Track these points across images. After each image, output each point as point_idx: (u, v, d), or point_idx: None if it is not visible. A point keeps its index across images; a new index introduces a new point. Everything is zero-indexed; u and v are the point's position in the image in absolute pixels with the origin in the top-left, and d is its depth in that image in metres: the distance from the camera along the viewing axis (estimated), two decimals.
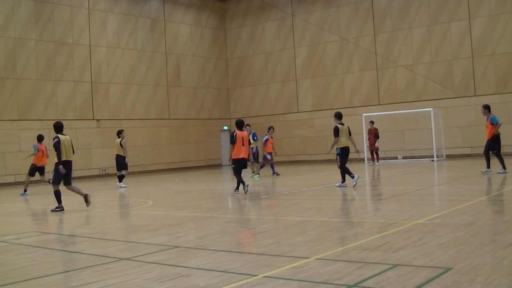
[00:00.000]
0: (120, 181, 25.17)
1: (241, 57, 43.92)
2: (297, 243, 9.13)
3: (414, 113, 34.53)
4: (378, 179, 23.28)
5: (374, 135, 31.72)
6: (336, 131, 18.62)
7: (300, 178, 24.80)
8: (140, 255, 8.84)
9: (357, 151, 19.68)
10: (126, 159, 25.32)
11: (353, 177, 18.49)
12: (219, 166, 41.98)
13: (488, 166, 21.37)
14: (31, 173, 24.11)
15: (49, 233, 11.92)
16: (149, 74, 38.78)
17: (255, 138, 27.09)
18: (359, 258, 7.78)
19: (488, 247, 8.05)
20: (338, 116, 19.15)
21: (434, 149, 31.99)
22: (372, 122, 32.19)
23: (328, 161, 32.13)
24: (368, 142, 32.18)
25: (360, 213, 12.89)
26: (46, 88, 33.16)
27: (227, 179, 26.03)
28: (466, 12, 34.22)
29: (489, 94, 33.31)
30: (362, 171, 27.14)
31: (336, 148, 18.83)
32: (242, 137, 18.40)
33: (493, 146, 21.37)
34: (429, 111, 32.63)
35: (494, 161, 21.81)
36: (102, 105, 35.85)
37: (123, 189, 24.05)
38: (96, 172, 34.67)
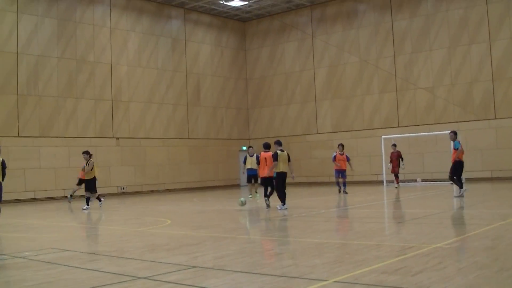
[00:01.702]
0: (88, 204, 23.67)
1: (261, 77, 44.04)
2: (315, 265, 9.09)
3: (434, 135, 34.39)
4: (397, 201, 23.16)
5: (397, 157, 31.51)
6: (276, 156, 19.52)
7: (319, 200, 24.74)
8: (158, 274, 8.84)
9: (292, 177, 20.18)
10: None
11: (283, 205, 19.59)
12: (237, 186, 41.97)
13: (461, 187, 21.81)
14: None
15: (67, 250, 11.94)
16: (169, 93, 38.96)
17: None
18: (377, 281, 7.73)
19: (508, 272, 7.98)
20: (278, 143, 20.19)
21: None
22: (394, 145, 32.07)
23: (348, 184, 31.95)
24: (390, 164, 31.85)
25: (378, 236, 12.82)
26: (67, 105, 33.41)
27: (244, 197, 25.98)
28: (487, 35, 34.15)
29: (509, 117, 33.18)
30: (380, 193, 27.03)
31: (274, 172, 19.79)
32: (266, 158, 20.57)
33: (454, 171, 21.73)
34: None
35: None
36: (122, 123, 36.04)
37: (87, 211, 22.94)
38: (115, 190, 34.78)
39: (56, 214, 22.25)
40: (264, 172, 20.65)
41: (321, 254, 10.19)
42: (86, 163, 23.56)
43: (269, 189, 20.81)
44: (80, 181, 25.56)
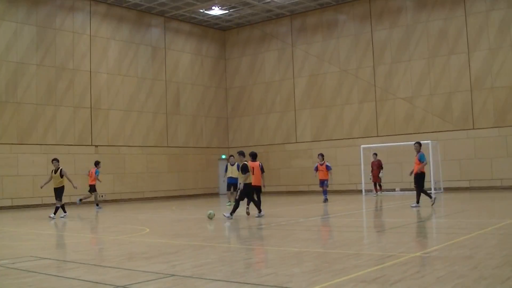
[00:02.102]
0: (55, 212, 22.97)
1: (241, 87, 44.07)
2: (294, 274, 9.08)
3: (413, 145, 34.44)
4: (376, 211, 23.24)
5: (377, 166, 31.93)
6: (245, 168, 20.12)
7: (298, 209, 24.74)
8: (137, 283, 8.79)
9: (263, 186, 21.26)
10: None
11: (230, 215, 19.85)
12: (216, 194, 41.90)
13: (430, 196, 22.29)
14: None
15: (45, 258, 11.85)
16: (148, 102, 38.87)
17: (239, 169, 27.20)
18: None
19: (486, 281, 8.01)
20: (241, 153, 21.49)
21: (432, 182, 31.89)
22: (375, 154, 32.47)
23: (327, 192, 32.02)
24: (371, 173, 32.29)
25: (357, 245, 12.84)
26: (46, 113, 33.24)
27: (224, 208, 25.97)
28: (466, 46, 34.43)
29: (487, 128, 33.45)
30: (359, 202, 27.11)
31: (240, 183, 20.58)
32: (253, 167, 20.72)
33: (417, 181, 22.11)
34: (428, 143, 32.62)
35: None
36: (101, 131, 35.90)
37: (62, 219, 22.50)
38: (93, 198, 34.54)
39: (34, 222, 22.07)
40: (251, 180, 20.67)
41: (300, 263, 10.18)
42: (56, 171, 22.90)
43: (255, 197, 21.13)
44: (90, 187, 28.12)
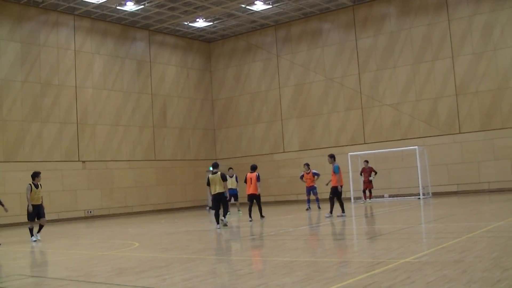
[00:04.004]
0: (37, 232, 21.29)
1: (227, 98, 44.08)
2: (285, 284, 9.06)
3: (400, 151, 34.64)
4: (365, 217, 23.26)
5: (368, 174, 32.01)
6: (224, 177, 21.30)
7: (287, 218, 24.72)
8: None
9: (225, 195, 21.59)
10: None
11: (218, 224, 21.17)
12: (205, 206, 41.81)
13: (343, 211, 22.84)
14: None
15: (34, 276, 11.77)
16: (135, 115, 38.81)
17: (237, 180, 29.53)
18: None
19: (476, 284, 8.02)
20: (252, 167, 24.44)
21: (420, 187, 32.02)
22: (366, 161, 32.54)
23: (314, 201, 32.05)
24: (363, 180, 32.43)
25: (347, 253, 12.84)
26: (32, 129, 33.12)
27: (213, 220, 25.90)
28: (450, 51, 34.59)
29: (473, 131, 33.60)
30: (348, 210, 27.13)
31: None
32: (251, 178, 23.90)
33: (334, 191, 22.75)
34: (415, 149, 32.73)
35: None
36: (88, 146, 35.81)
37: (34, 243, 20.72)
38: (81, 214, 34.48)
39: (21, 240, 21.95)
40: (249, 190, 23.81)
41: (290, 272, 10.16)
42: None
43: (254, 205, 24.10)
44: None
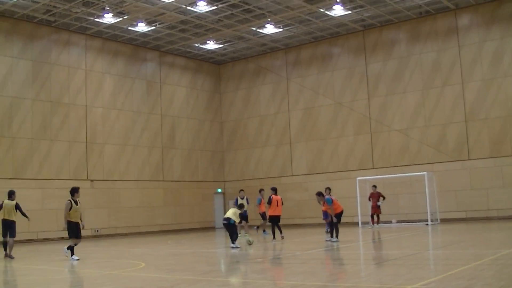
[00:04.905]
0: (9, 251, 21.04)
1: (236, 120, 44.13)
2: None
3: (408, 177, 34.54)
4: (373, 243, 23.15)
5: (377, 198, 31.97)
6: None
7: (294, 242, 24.63)
8: None
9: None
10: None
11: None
12: (212, 228, 41.73)
13: (337, 236, 23.11)
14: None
15: None
16: (144, 135, 38.87)
17: (247, 202, 29.37)
18: None
19: None
20: (275, 189, 25.89)
21: (429, 213, 31.87)
22: (374, 186, 32.53)
23: (321, 225, 31.97)
24: (371, 205, 32.42)
25: (354, 278, 12.75)
26: (41, 147, 33.20)
27: (220, 241, 25.88)
28: (459, 77, 34.60)
29: (483, 158, 33.50)
30: (356, 235, 27.03)
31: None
32: (277, 200, 25.41)
33: (338, 217, 23.37)
34: (423, 175, 32.64)
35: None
36: (97, 165, 35.85)
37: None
38: (88, 233, 34.39)
39: (28, 257, 21.92)
40: (275, 211, 25.32)
41: None
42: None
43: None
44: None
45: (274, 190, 25.97)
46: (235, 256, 18.36)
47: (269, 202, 25.49)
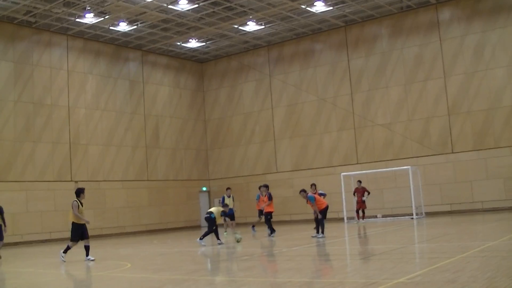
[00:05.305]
0: (86, 255, 19.37)
1: (220, 118, 44.09)
2: None
3: (393, 171, 34.66)
4: (359, 238, 23.21)
5: (362, 194, 32.06)
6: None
7: (280, 239, 24.65)
8: None
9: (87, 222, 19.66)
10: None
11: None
12: (198, 227, 41.67)
13: (322, 232, 22.88)
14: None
15: None
16: (128, 135, 38.76)
17: (233, 200, 29.69)
18: None
19: None
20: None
21: (414, 207, 32.00)
22: (359, 182, 32.58)
23: (308, 221, 32.01)
24: (356, 200, 32.46)
25: (341, 273, 12.77)
26: (24, 149, 33.03)
27: (206, 240, 25.78)
28: (442, 71, 34.75)
29: (466, 151, 33.68)
30: (341, 230, 27.09)
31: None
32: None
33: (323, 213, 23.15)
34: (407, 169, 32.75)
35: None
36: (81, 166, 35.71)
37: None
38: None
39: (14, 260, 21.81)
40: (269, 207, 26.60)
41: None
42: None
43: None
44: None
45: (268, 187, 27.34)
46: (222, 254, 18.33)
47: (271, 198, 26.81)
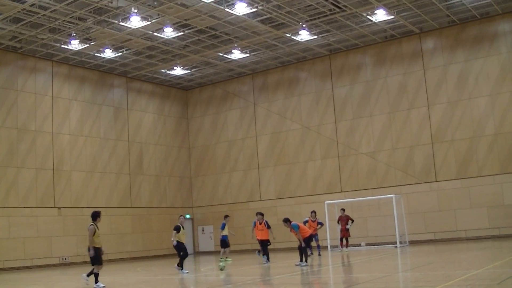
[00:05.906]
0: (86, 275, 19.59)
1: (204, 145, 44.09)
2: None
3: (377, 199, 34.74)
4: (343, 266, 23.18)
5: (346, 222, 32.10)
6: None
7: (264, 267, 24.57)
8: None
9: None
10: None
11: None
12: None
13: (306, 260, 23.32)
14: None
15: None
16: (111, 162, 38.65)
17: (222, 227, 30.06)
18: None
19: None
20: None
21: (397, 235, 32.04)
22: (343, 210, 32.62)
23: (291, 249, 31.93)
24: (340, 228, 32.49)
25: None
26: (7, 174, 32.83)
27: (189, 267, 25.71)
28: (425, 99, 35.02)
29: (450, 179, 33.83)
30: (325, 258, 27.06)
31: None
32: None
33: (307, 242, 23.75)
34: (391, 197, 32.84)
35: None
36: (64, 192, 35.52)
37: None
38: (56, 261, 34.02)
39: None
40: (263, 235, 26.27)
41: None
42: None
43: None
44: None
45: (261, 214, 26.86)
46: (207, 282, 18.23)
47: (269, 226, 26.66)
